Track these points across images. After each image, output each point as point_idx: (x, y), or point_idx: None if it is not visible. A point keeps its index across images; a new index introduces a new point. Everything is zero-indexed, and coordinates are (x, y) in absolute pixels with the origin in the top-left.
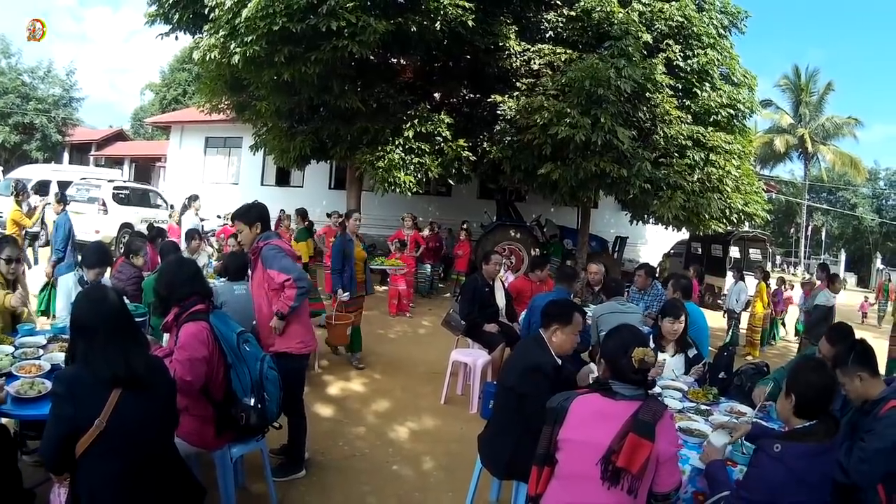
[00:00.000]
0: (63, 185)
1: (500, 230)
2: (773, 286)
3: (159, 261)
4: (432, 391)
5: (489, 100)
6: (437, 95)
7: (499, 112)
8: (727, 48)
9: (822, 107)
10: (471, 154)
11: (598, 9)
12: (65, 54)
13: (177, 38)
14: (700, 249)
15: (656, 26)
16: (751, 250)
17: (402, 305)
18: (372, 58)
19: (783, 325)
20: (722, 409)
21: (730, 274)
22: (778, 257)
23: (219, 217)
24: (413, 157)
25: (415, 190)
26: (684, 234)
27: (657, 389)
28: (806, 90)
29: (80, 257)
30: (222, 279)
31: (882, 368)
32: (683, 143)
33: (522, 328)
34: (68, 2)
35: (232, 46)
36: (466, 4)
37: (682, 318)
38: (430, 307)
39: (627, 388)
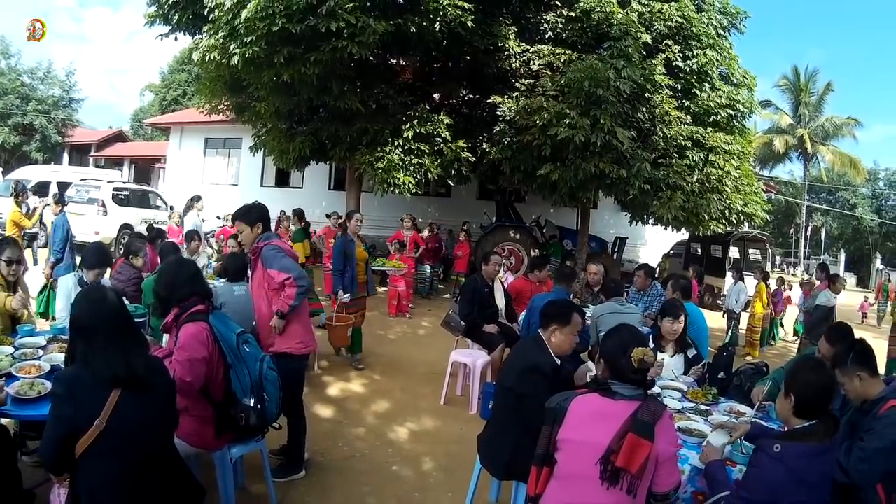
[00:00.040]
0: (63, 186)
1: (500, 231)
2: (773, 286)
3: (159, 262)
4: (432, 392)
5: (488, 101)
6: (436, 96)
7: (498, 113)
8: (726, 48)
9: (822, 107)
10: (470, 155)
11: (598, 9)
12: (64, 55)
13: (176, 38)
14: (699, 250)
15: (655, 27)
16: (750, 251)
17: (401, 306)
18: (371, 58)
19: (781, 325)
20: (721, 410)
21: (729, 274)
22: (777, 258)
23: (218, 218)
24: (412, 157)
25: (414, 191)
26: (684, 235)
27: (656, 389)
28: (805, 90)
29: (79, 258)
30: (222, 280)
31: (881, 368)
32: (683, 143)
33: (522, 329)
34: (68, 2)
35: (231, 47)
36: (466, 5)
37: (682, 318)
38: (429, 308)
39: (626, 387)
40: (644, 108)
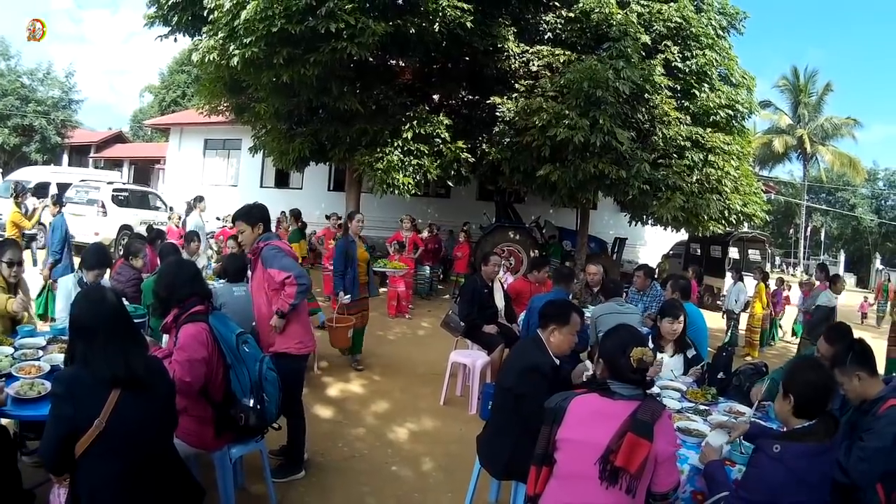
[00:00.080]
0: (62, 187)
1: (500, 232)
2: (773, 287)
3: (158, 262)
4: (431, 392)
5: (488, 101)
6: (435, 97)
7: (497, 113)
8: (726, 49)
9: (821, 107)
10: (470, 156)
11: (597, 10)
12: (63, 56)
13: (175, 39)
14: (699, 250)
15: (655, 27)
16: (750, 251)
17: (401, 307)
18: (371, 59)
19: (780, 326)
20: (720, 409)
21: (729, 275)
22: (777, 258)
23: (218, 219)
24: (412, 158)
25: (413, 191)
26: (683, 235)
27: (655, 389)
28: (805, 91)
29: (78, 259)
30: (221, 281)
31: (881, 368)
32: (682, 143)
33: (522, 329)
34: (66, 4)
35: (231, 48)
36: (465, 6)
37: (681, 318)
38: (429, 308)
39: (626, 387)
40: (643, 109)
